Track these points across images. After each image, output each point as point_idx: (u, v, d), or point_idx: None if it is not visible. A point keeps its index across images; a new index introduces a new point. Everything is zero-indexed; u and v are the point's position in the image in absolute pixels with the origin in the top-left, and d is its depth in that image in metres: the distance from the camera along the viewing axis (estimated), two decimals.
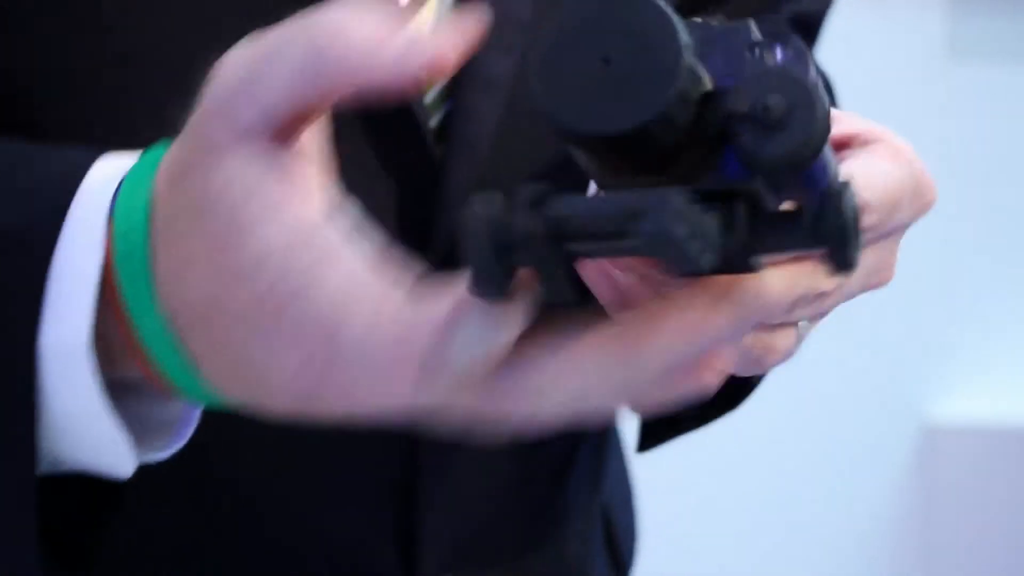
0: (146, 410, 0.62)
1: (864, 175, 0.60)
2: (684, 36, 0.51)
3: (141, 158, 0.59)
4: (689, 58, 0.51)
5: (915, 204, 0.63)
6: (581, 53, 0.52)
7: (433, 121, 0.76)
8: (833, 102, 0.97)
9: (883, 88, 2.18)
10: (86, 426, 0.59)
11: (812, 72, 0.53)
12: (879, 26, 2.23)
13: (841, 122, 0.63)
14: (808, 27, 0.97)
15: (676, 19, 0.51)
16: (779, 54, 0.54)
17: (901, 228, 0.63)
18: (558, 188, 0.51)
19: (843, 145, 0.64)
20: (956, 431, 2.31)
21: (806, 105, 0.51)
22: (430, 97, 0.76)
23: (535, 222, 0.51)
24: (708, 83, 0.53)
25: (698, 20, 0.55)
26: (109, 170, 0.60)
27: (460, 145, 0.75)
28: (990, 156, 2.27)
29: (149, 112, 0.67)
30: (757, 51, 0.55)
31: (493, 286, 0.51)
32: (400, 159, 0.75)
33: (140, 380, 0.59)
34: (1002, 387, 2.33)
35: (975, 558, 2.31)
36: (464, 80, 0.76)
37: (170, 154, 0.57)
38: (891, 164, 0.63)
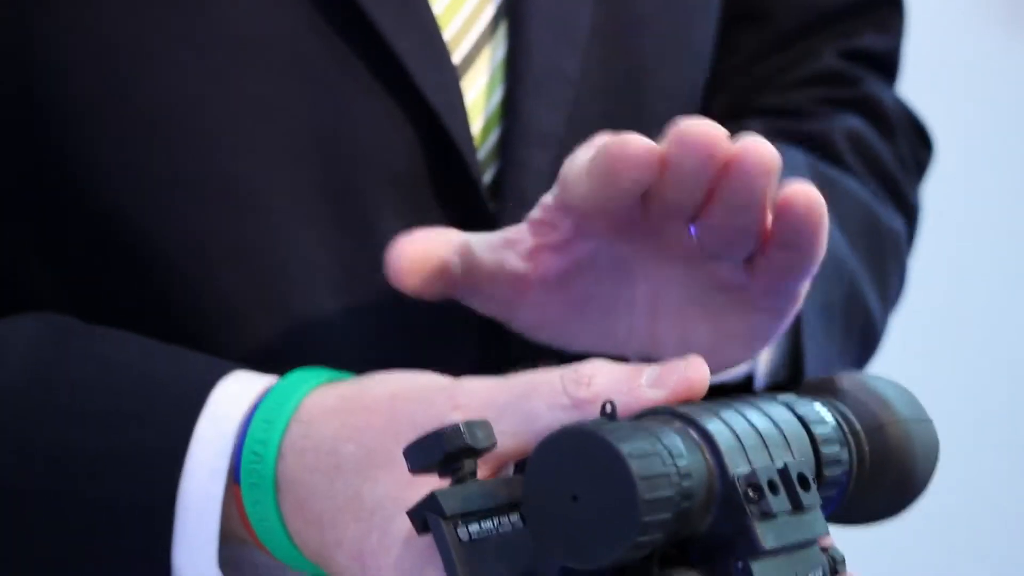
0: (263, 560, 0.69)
1: None
2: (641, 470, 0.54)
3: (277, 392, 0.66)
4: (650, 492, 0.54)
5: None
6: (554, 491, 0.56)
7: (487, 176, 0.77)
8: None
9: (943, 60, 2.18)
10: None
11: None
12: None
13: None
14: (883, 66, 0.97)
15: (632, 457, 0.54)
16: None
17: None
18: None
19: None
20: None
21: None
22: (483, 153, 0.76)
23: None
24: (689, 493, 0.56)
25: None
26: (231, 393, 0.67)
27: (514, 199, 0.75)
28: None
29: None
30: None
31: None
32: (455, 215, 0.76)
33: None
34: None
35: None
36: (515, 136, 0.76)
37: (328, 428, 0.64)
38: None
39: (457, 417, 0.59)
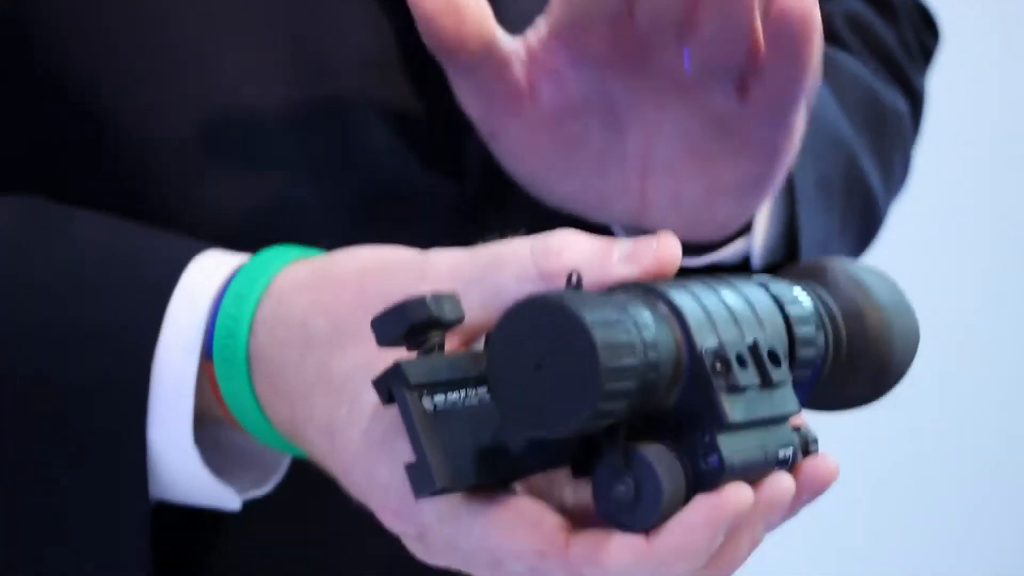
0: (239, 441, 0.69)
1: None
2: (604, 338, 0.54)
3: (249, 268, 0.66)
4: (612, 360, 0.54)
5: None
6: (518, 360, 0.55)
7: None
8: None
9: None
10: (197, 489, 0.68)
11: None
12: None
13: None
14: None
15: (595, 326, 0.54)
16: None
17: None
18: None
19: None
20: None
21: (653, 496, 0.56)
22: None
23: None
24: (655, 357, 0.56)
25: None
26: (204, 270, 0.67)
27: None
28: None
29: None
30: None
31: None
32: (436, 101, 0.75)
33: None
34: None
35: None
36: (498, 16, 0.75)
37: (298, 303, 0.64)
38: None
39: (425, 289, 0.59)
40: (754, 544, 0.59)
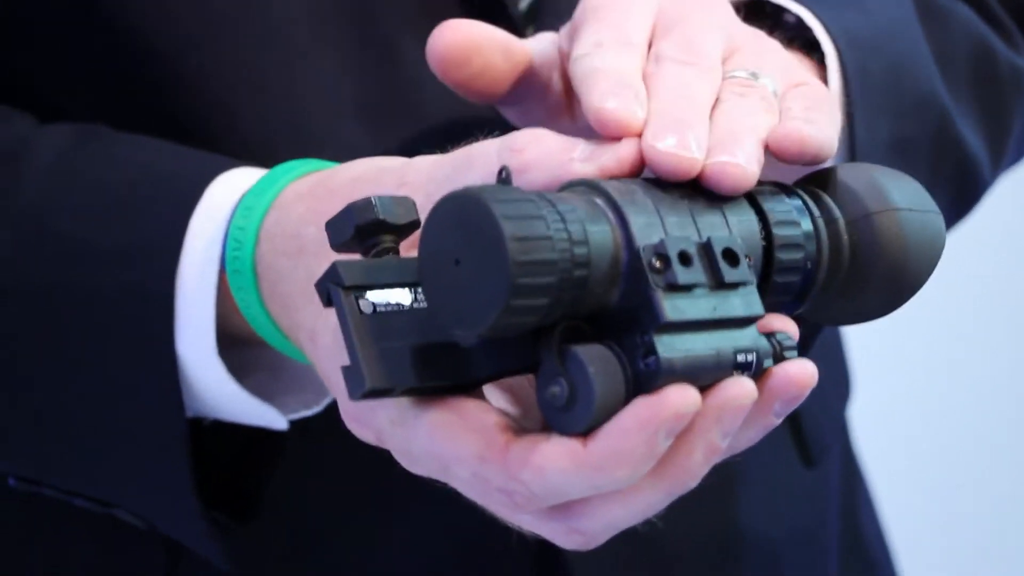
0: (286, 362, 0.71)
1: None
2: (515, 231, 0.53)
3: (262, 182, 0.67)
4: (523, 254, 0.53)
5: None
6: (441, 256, 0.55)
7: (523, 4, 0.77)
8: None
9: None
10: (235, 405, 0.71)
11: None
12: None
13: None
14: None
15: (505, 219, 0.53)
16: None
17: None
18: None
19: None
20: None
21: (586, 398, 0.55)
22: None
23: None
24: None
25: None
26: (228, 185, 0.69)
27: (549, 26, 0.74)
28: None
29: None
30: None
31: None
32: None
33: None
34: None
35: None
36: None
37: (295, 213, 0.65)
38: None
39: (403, 193, 0.59)
40: (711, 453, 0.56)
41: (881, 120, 0.79)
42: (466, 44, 0.67)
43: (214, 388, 0.70)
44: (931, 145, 0.85)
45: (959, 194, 0.89)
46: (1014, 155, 0.93)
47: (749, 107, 0.62)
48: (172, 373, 0.69)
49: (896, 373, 2.09)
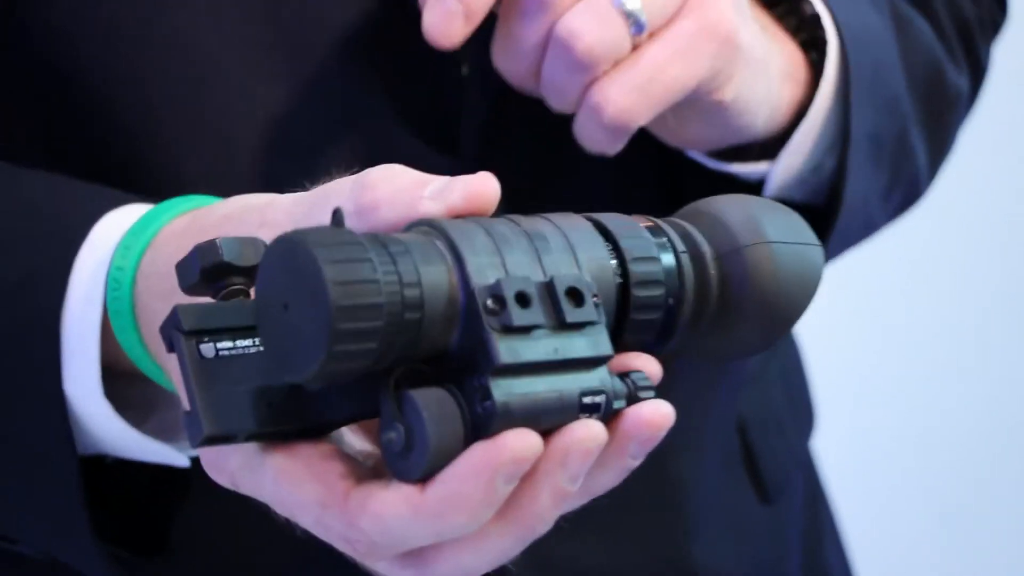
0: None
1: None
2: (337, 275, 0.52)
3: (142, 220, 0.67)
4: (346, 299, 0.52)
5: None
6: (272, 301, 0.55)
7: None
8: None
9: None
10: (130, 443, 0.71)
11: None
12: None
13: None
14: None
15: (328, 262, 0.52)
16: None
17: None
18: None
19: None
20: None
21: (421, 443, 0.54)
22: None
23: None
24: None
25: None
26: (114, 223, 0.69)
27: (485, 64, 0.76)
28: None
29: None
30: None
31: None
32: (422, 75, 0.78)
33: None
34: None
35: None
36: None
37: (167, 252, 0.65)
38: None
39: (263, 233, 0.59)
40: (560, 497, 0.55)
41: (866, 111, 0.82)
42: None
43: (104, 426, 0.70)
44: (894, 147, 0.88)
45: (904, 200, 0.92)
46: (936, 171, 0.96)
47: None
48: (61, 410, 0.69)
49: (862, 403, 2.12)
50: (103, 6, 0.76)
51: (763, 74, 0.79)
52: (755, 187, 0.84)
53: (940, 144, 0.94)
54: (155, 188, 0.75)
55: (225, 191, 0.71)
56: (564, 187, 0.84)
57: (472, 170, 0.74)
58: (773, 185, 0.83)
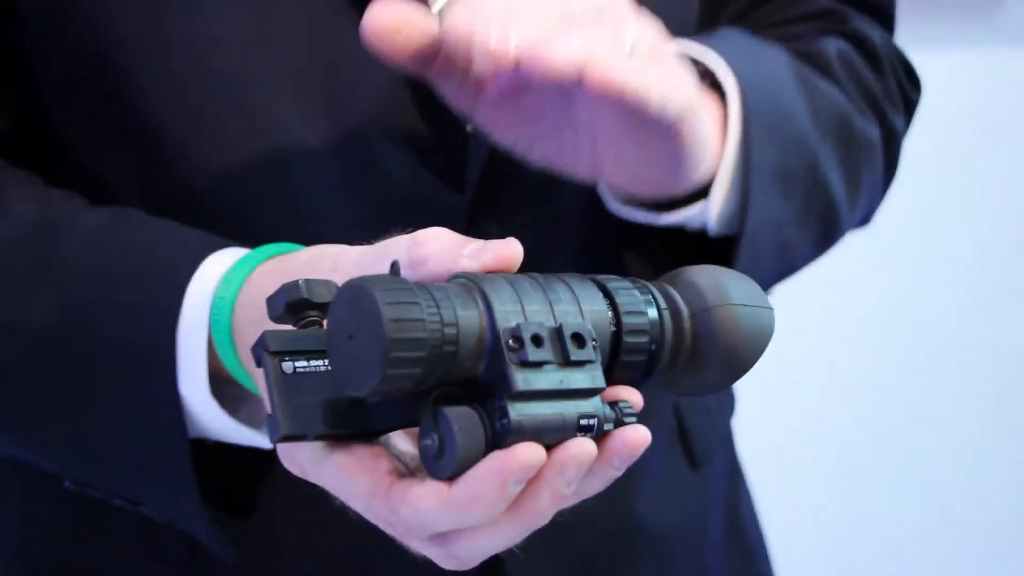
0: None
1: None
2: (392, 314, 0.62)
3: (242, 260, 0.80)
4: (399, 332, 0.62)
5: None
6: (341, 331, 0.65)
7: None
8: None
9: None
10: (229, 431, 0.83)
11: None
12: None
13: None
14: (876, 11, 1.06)
15: (385, 304, 0.62)
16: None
17: None
18: None
19: None
20: None
21: (451, 450, 0.64)
22: None
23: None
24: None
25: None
26: (217, 262, 0.82)
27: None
28: None
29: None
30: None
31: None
32: (438, 131, 0.88)
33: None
34: None
35: None
36: None
37: (263, 288, 0.77)
38: None
39: (334, 277, 0.70)
40: (557, 498, 0.66)
41: (769, 149, 0.91)
42: (391, 21, 0.76)
43: (208, 416, 0.82)
44: (805, 179, 0.96)
45: (824, 230, 0.99)
46: (861, 213, 1.03)
47: (591, 33, 0.74)
48: (176, 406, 0.82)
49: (774, 393, 2.28)
50: (192, 88, 0.88)
51: (702, 119, 0.86)
52: (699, 234, 0.93)
53: (856, 181, 1.01)
54: (217, 215, 0.87)
55: (271, 220, 0.84)
56: (553, 227, 0.93)
57: (474, 204, 0.85)
58: (713, 224, 0.91)
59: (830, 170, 0.98)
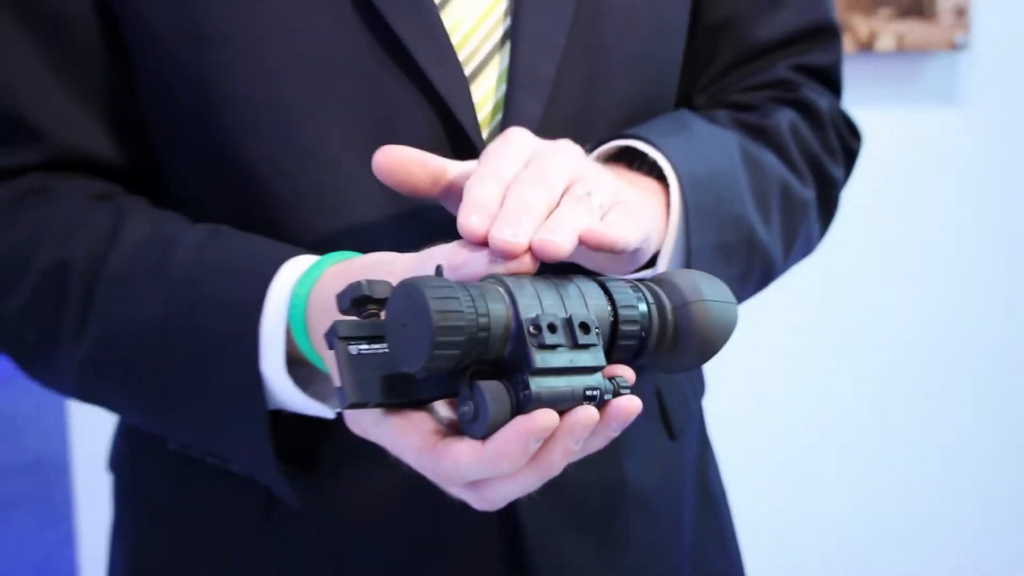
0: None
1: None
2: (438, 306, 0.71)
3: (314, 264, 0.91)
4: (443, 321, 0.70)
5: None
6: (396, 321, 0.73)
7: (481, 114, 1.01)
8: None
9: None
10: (298, 403, 0.95)
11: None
12: None
13: None
14: (824, 77, 1.16)
15: (432, 298, 0.71)
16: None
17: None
18: None
19: None
20: None
21: (483, 415, 0.72)
22: (487, 133, 1.01)
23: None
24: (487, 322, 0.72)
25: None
26: (294, 265, 0.93)
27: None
28: None
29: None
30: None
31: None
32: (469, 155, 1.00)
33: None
34: None
35: None
36: (509, 121, 0.98)
37: (331, 286, 0.87)
38: None
39: (390, 278, 0.80)
40: (567, 453, 0.77)
41: (708, 230, 1.00)
42: (396, 161, 0.88)
43: (284, 390, 0.93)
44: (743, 249, 1.06)
45: (761, 281, 1.12)
46: (798, 257, 1.14)
47: (576, 211, 0.80)
48: (258, 383, 0.93)
49: (740, 378, 2.50)
50: (277, 141, 0.99)
51: (650, 216, 0.95)
52: None
53: (792, 236, 1.11)
54: (291, 233, 0.99)
55: (335, 238, 0.95)
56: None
57: None
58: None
59: (769, 237, 1.07)
